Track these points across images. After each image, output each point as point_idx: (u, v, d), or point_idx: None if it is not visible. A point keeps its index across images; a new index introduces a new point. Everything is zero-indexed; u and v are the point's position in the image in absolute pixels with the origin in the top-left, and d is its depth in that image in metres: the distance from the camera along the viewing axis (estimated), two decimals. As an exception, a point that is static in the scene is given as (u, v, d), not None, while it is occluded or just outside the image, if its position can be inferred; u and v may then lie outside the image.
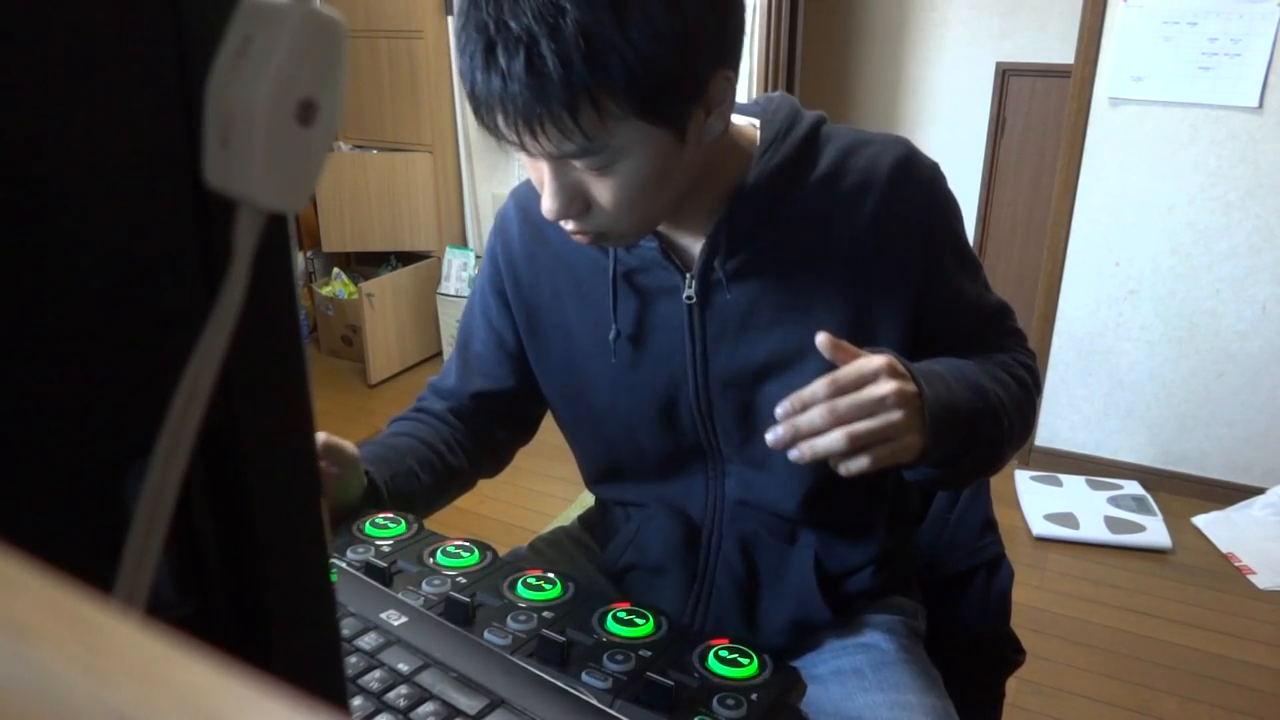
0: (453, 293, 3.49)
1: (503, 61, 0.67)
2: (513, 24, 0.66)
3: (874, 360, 0.73)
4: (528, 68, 0.67)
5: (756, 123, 0.88)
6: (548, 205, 0.77)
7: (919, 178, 0.85)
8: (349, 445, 0.84)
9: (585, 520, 1.14)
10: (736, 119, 0.88)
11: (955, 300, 0.88)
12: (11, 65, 0.21)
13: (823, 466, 0.89)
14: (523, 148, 0.73)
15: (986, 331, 0.92)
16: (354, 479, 0.85)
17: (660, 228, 0.88)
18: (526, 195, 0.97)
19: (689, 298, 0.87)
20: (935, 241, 0.86)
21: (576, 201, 0.77)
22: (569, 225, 0.79)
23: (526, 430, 1.07)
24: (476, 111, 0.73)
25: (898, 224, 0.84)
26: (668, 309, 0.88)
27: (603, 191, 0.75)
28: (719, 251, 0.84)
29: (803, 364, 0.86)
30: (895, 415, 0.72)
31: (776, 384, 0.87)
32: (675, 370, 0.89)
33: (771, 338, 0.86)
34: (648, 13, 0.66)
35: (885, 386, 0.72)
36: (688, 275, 0.86)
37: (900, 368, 0.74)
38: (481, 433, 1.03)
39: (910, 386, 0.74)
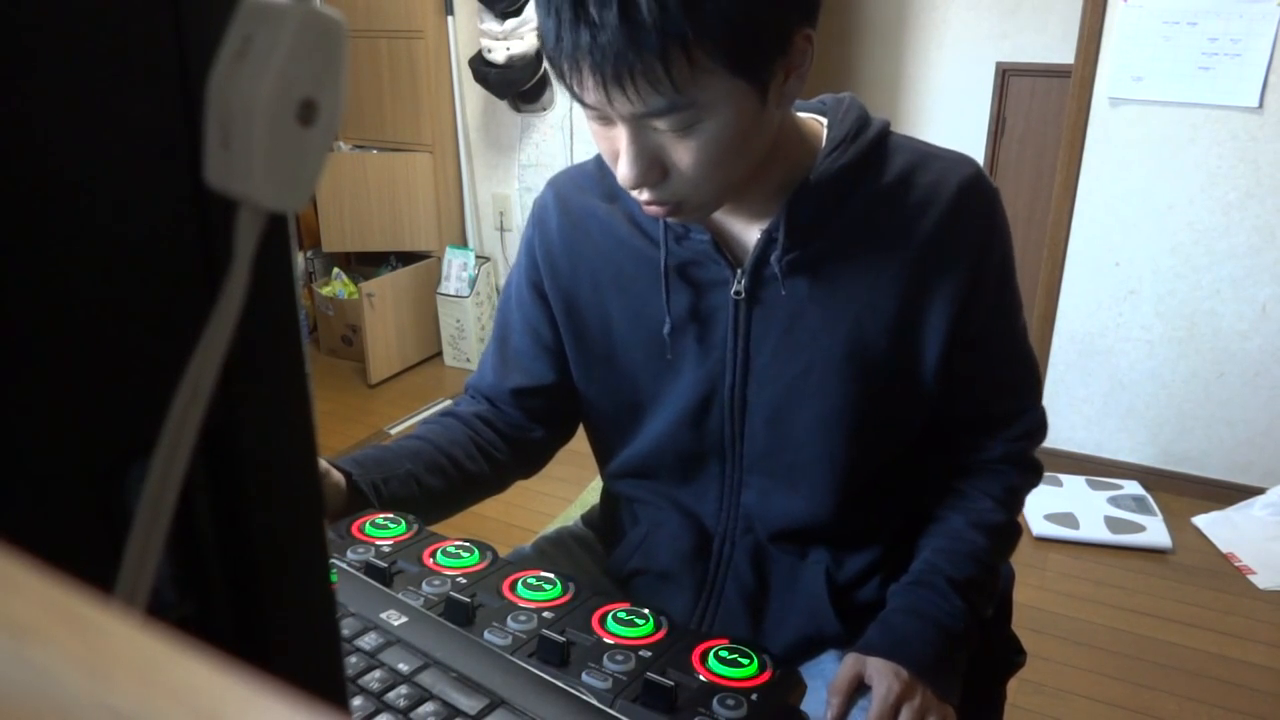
0: (453, 293, 3.48)
1: (594, 12, 0.67)
2: None
3: (883, 702, 0.80)
4: (622, 15, 0.66)
5: (823, 120, 0.87)
6: (625, 173, 0.76)
7: (983, 201, 0.86)
8: None
9: (588, 519, 1.14)
10: (801, 114, 0.88)
11: (989, 327, 0.88)
12: (11, 66, 0.21)
13: (848, 485, 0.89)
14: (608, 104, 0.72)
15: (1003, 383, 0.93)
16: (325, 491, 0.84)
17: (715, 218, 0.87)
18: (565, 185, 0.96)
19: (737, 293, 0.86)
20: (988, 266, 0.86)
21: (655, 168, 0.76)
22: (644, 195, 0.78)
23: (564, 429, 1.05)
24: (560, 72, 0.72)
25: (956, 242, 0.84)
26: (715, 303, 0.88)
27: (684, 154, 0.75)
28: (775, 245, 0.84)
29: (842, 373, 0.86)
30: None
31: (813, 393, 0.87)
32: (714, 366, 0.89)
33: (818, 343, 0.85)
34: None
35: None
36: (738, 270, 0.86)
37: (903, 675, 0.81)
38: (517, 433, 1.01)
39: (913, 691, 0.81)
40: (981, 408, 0.93)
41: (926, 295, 0.85)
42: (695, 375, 0.90)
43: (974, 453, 0.95)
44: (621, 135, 0.75)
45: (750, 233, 0.86)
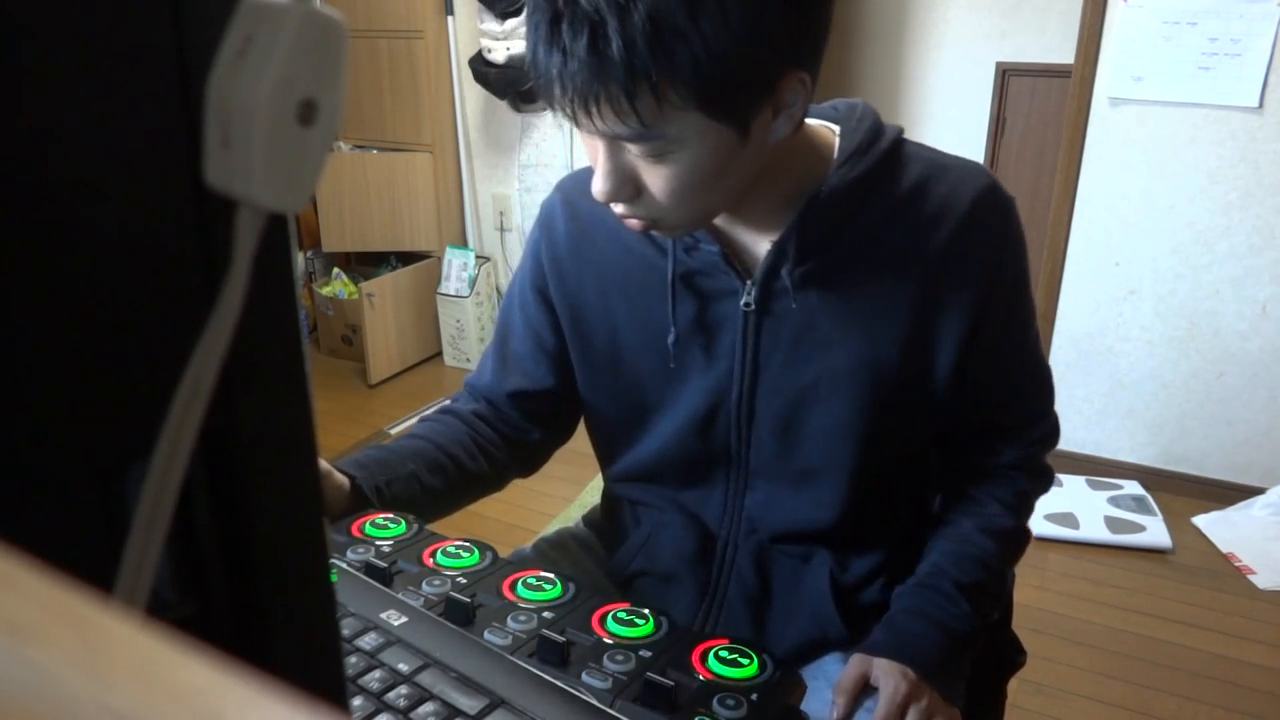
0: (453, 293, 3.48)
1: (566, 38, 0.67)
2: (583, 2, 0.66)
3: (890, 701, 0.79)
4: (590, 47, 0.66)
5: (835, 128, 0.86)
6: (597, 186, 0.76)
7: (997, 213, 0.85)
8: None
9: (589, 520, 1.13)
10: (812, 121, 0.86)
11: (1002, 338, 0.88)
12: (11, 66, 0.21)
13: (856, 490, 0.89)
14: (577, 124, 0.73)
15: (1016, 392, 0.93)
16: (328, 492, 0.84)
17: (723, 227, 0.87)
18: (573, 189, 0.95)
19: (747, 305, 0.85)
20: (1002, 279, 0.85)
21: (627, 186, 0.75)
22: (619, 209, 0.78)
23: (562, 431, 1.05)
24: (535, 83, 0.72)
25: (970, 255, 0.83)
26: (723, 314, 0.87)
27: (655, 180, 0.74)
28: (787, 258, 0.83)
29: (853, 384, 0.85)
30: None
31: (823, 403, 0.86)
32: (721, 376, 0.88)
33: (829, 354, 0.85)
34: (723, 4, 0.65)
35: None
36: (748, 281, 0.85)
37: (910, 676, 0.80)
38: (515, 434, 1.01)
39: (920, 692, 0.80)
40: (994, 416, 0.93)
41: (939, 308, 0.84)
42: (702, 384, 0.89)
43: (985, 458, 0.94)
44: (598, 148, 0.75)
45: (760, 244, 0.85)
